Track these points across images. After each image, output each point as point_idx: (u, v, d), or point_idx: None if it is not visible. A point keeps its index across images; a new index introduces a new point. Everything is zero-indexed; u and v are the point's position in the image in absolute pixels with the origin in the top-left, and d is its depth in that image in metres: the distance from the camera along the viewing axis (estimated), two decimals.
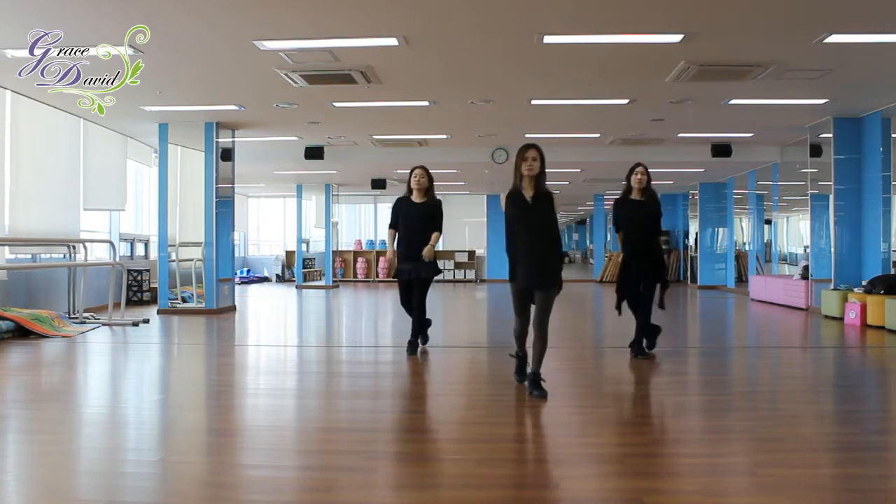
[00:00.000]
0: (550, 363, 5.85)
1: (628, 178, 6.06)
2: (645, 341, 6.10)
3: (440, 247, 20.01)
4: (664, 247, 19.13)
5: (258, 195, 20.39)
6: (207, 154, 10.05)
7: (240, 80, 7.70)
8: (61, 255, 9.49)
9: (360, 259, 19.79)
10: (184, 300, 10.62)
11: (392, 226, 6.33)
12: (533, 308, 4.72)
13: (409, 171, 6.40)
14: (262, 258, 20.41)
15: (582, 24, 5.85)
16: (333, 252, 17.04)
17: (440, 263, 6.24)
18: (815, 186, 10.40)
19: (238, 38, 6.20)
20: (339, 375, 5.76)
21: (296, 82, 7.52)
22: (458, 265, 19.50)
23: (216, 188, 10.08)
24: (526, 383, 4.72)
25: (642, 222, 5.98)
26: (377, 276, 19.52)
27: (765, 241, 14.93)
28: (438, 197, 6.50)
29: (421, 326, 6.42)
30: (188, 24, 5.82)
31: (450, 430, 3.94)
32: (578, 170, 14.02)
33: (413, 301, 6.33)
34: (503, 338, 7.24)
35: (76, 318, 8.67)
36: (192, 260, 10.71)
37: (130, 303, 10.78)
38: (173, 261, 10.34)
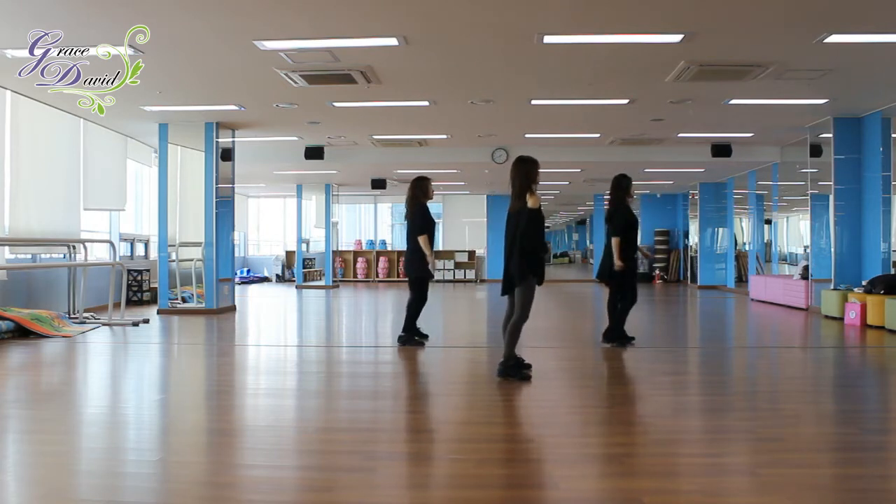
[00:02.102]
0: (551, 363, 5.86)
1: (628, 190, 6.56)
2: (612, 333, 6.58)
3: (442, 246, 20.10)
4: (664, 246, 19.19)
5: (258, 195, 20.39)
6: (207, 154, 10.05)
7: (240, 80, 7.70)
8: (61, 255, 9.48)
9: (360, 259, 19.79)
10: (184, 300, 10.63)
11: (430, 232, 6.68)
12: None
13: (423, 179, 6.81)
14: (262, 258, 20.40)
15: (582, 24, 5.85)
16: (333, 252, 17.04)
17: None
18: (815, 186, 10.39)
19: (238, 38, 6.20)
20: (339, 375, 5.76)
21: (296, 82, 7.52)
22: (458, 265, 19.50)
23: (216, 188, 10.08)
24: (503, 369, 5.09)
25: None
26: (377, 276, 19.52)
27: (765, 241, 14.93)
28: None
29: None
30: (188, 24, 5.82)
31: (450, 430, 3.94)
32: (578, 170, 14.02)
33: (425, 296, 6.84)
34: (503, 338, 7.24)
35: (76, 318, 8.67)
36: (192, 260, 10.71)
37: (130, 303, 10.78)
38: (173, 261, 10.34)
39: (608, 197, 6.82)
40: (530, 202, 4.98)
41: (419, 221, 6.66)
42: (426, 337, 6.92)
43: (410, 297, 6.85)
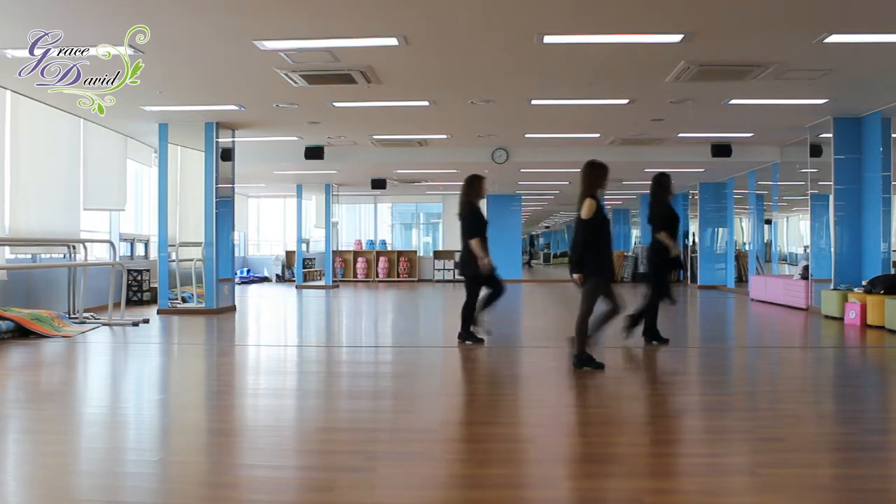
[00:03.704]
0: (551, 363, 5.86)
1: (668, 188, 6.71)
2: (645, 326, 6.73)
3: (442, 246, 20.07)
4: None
5: (258, 195, 20.39)
6: (207, 154, 10.05)
7: (240, 80, 7.70)
8: (61, 255, 9.48)
9: (360, 259, 19.78)
10: (184, 300, 10.62)
11: (482, 234, 6.67)
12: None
13: (476, 178, 6.81)
14: (262, 258, 20.40)
15: (582, 24, 5.85)
16: (333, 252, 17.04)
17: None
18: (815, 186, 10.39)
19: (238, 38, 6.20)
20: (339, 375, 5.76)
21: (296, 82, 7.52)
22: (458, 265, 19.43)
23: (216, 188, 10.08)
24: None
25: None
26: (377, 276, 19.52)
27: (765, 241, 14.93)
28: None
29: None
30: (188, 24, 5.82)
31: (450, 430, 3.94)
32: (578, 170, 13.99)
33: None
34: (503, 337, 7.25)
35: (76, 318, 8.67)
36: (192, 260, 10.71)
37: (130, 303, 10.78)
38: (173, 261, 10.34)
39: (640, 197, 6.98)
40: (583, 211, 5.27)
41: (472, 222, 6.67)
42: (481, 341, 6.87)
43: (467, 299, 6.83)
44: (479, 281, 6.76)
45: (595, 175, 5.42)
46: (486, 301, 6.85)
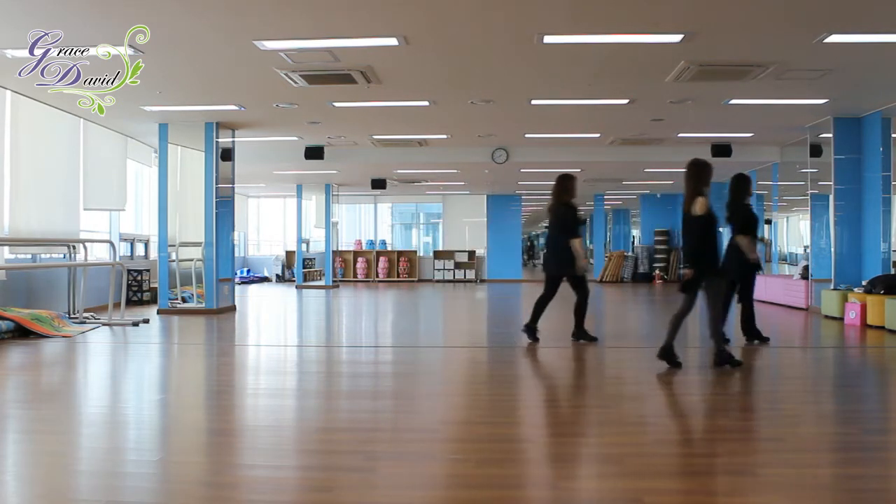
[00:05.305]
0: (552, 363, 5.86)
1: (748, 189, 6.70)
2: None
3: (442, 246, 20.08)
4: (664, 246, 19.19)
5: (258, 195, 20.39)
6: (207, 154, 10.05)
7: (240, 80, 7.70)
8: (61, 255, 9.48)
9: (360, 259, 19.79)
10: (184, 300, 10.62)
11: (579, 234, 6.75)
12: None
13: (568, 178, 6.84)
14: (262, 258, 20.41)
15: (582, 24, 5.85)
16: (333, 252, 17.04)
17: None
18: (815, 186, 10.40)
19: (238, 38, 6.20)
20: (339, 375, 5.76)
21: (296, 82, 7.52)
22: (458, 265, 19.50)
23: (216, 188, 10.08)
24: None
25: None
26: (377, 276, 19.52)
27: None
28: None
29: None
30: (188, 24, 5.82)
31: (450, 430, 3.94)
32: (578, 170, 13.96)
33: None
34: (503, 338, 7.25)
35: (76, 318, 8.67)
36: (192, 260, 10.71)
37: (130, 303, 10.78)
38: (173, 261, 10.34)
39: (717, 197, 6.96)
40: (696, 207, 5.31)
41: (569, 222, 6.69)
42: (594, 339, 6.89)
43: (543, 293, 6.87)
44: (557, 281, 6.81)
45: (700, 173, 5.47)
46: (579, 307, 6.85)
